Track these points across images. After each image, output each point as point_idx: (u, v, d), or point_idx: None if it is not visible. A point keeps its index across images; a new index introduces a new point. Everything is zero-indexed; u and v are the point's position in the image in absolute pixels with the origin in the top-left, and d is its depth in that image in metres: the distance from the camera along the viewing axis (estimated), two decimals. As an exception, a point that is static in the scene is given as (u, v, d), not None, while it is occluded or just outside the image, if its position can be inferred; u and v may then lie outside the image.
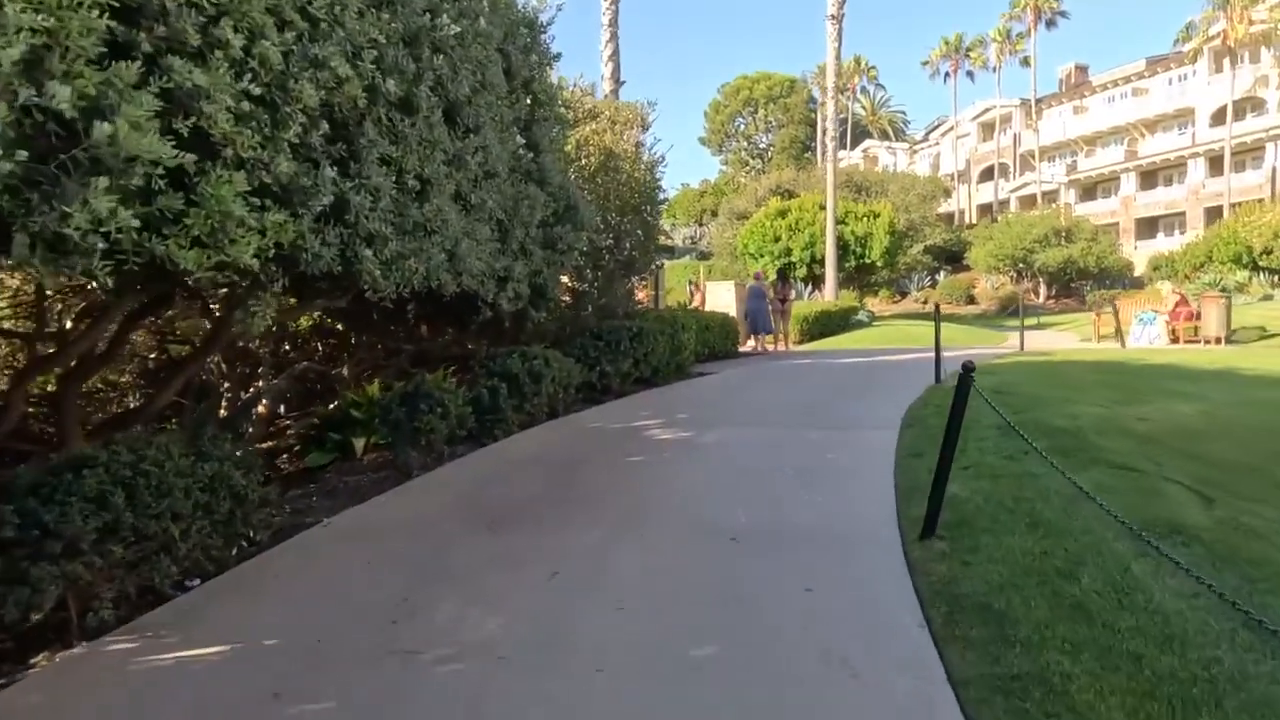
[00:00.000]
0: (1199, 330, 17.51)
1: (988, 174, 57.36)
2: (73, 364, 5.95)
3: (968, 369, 4.32)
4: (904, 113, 79.39)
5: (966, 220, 55.10)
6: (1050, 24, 54.50)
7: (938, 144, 63.06)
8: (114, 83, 3.02)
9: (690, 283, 28.13)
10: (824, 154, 36.63)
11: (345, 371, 9.17)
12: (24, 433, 6.61)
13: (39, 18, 2.75)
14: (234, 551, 4.52)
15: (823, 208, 29.19)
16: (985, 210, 55.57)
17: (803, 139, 64.09)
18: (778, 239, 30.51)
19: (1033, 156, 53.08)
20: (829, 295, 28.13)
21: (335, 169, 4.80)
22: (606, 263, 11.26)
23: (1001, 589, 3.62)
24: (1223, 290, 21.89)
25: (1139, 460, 5.31)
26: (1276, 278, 27.62)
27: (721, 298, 21.98)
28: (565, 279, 10.58)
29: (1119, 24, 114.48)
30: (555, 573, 4.12)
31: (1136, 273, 39.56)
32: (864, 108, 70.97)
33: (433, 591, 3.94)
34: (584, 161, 11.08)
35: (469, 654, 3.28)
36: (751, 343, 18.85)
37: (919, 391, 9.28)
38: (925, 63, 61.99)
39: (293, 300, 7.71)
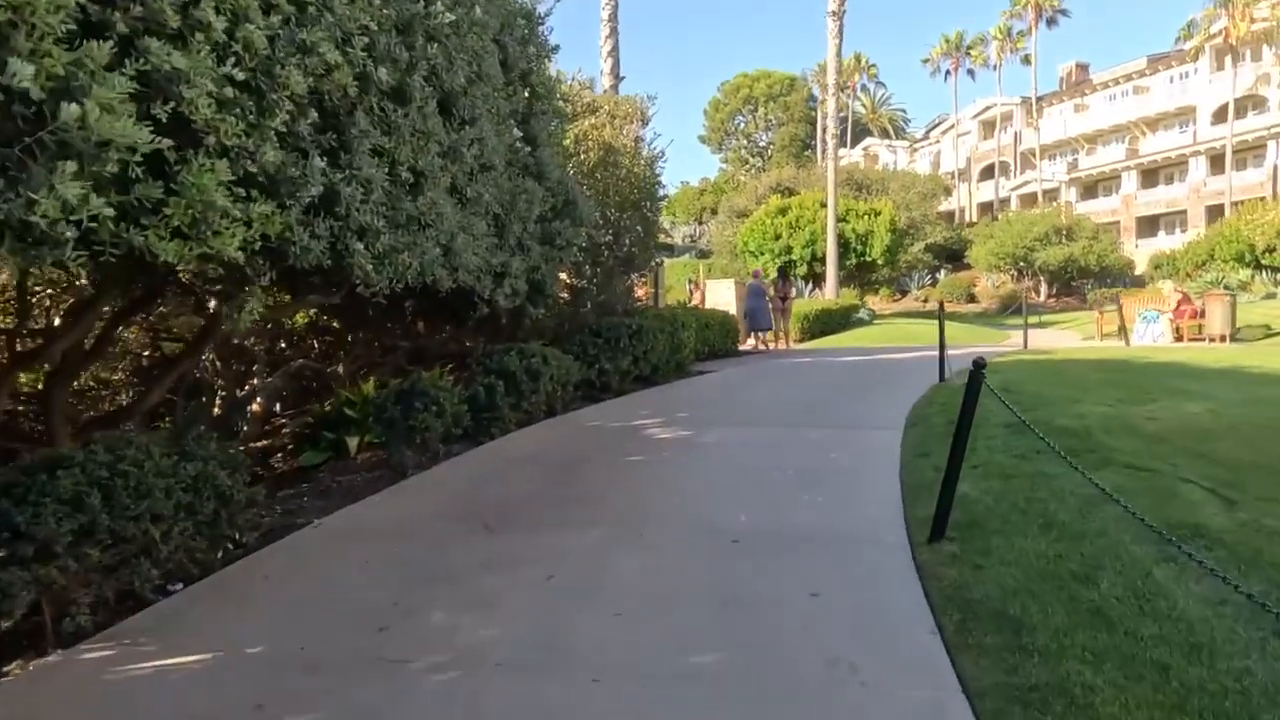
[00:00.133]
0: (1203, 328, 17.36)
1: (988, 172, 57.20)
2: (58, 361, 5.81)
3: (979, 365, 4.17)
4: (904, 111, 79.29)
5: (967, 218, 54.95)
6: (1051, 22, 54.32)
7: (938, 142, 62.90)
8: (85, 63, 2.87)
9: (690, 281, 27.99)
10: (824, 151, 36.50)
11: (341, 369, 9.02)
12: (12, 430, 6.47)
13: (3, -7, 2.61)
14: (220, 554, 4.37)
15: (823, 205, 29.02)
16: (986, 208, 55.42)
17: (803, 137, 63.92)
18: (778, 237, 30.34)
19: (1033, 155, 52.92)
20: (830, 293, 27.97)
21: (325, 159, 4.65)
22: (605, 259, 11.11)
23: (1016, 594, 3.47)
24: (1226, 288, 21.73)
25: (1151, 460, 5.16)
26: (1279, 276, 27.46)
27: (721, 296, 21.82)
28: (564, 276, 10.43)
29: (1120, 22, 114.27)
30: (551, 576, 3.98)
31: (1137, 271, 39.40)
32: (864, 106, 70.80)
33: (425, 595, 3.79)
34: (583, 156, 10.93)
35: (461, 661, 3.13)
36: (752, 341, 18.71)
37: (922, 390, 9.14)
38: (926, 60, 61.89)
39: (286, 296, 7.57)
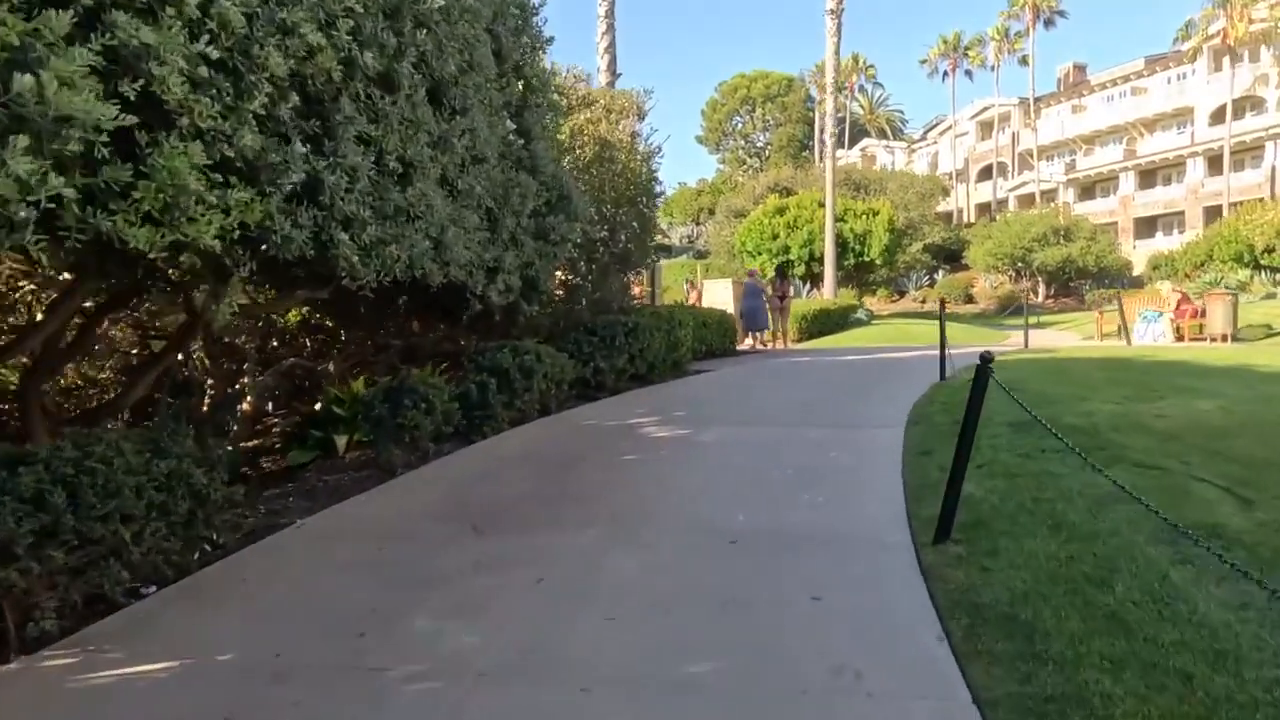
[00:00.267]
0: (1204, 328, 17.23)
1: (986, 173, 57.12)
2: (36, 355, 5.64)
3: (986, 360, 4.01)
4: (902, 112, 79.17)
5: (965, 219, 54.83)
6: (1049, 23, 54.30)
7: (936, 143, 62.81)
8: (42, 33, 2.70)
9: (687, 281, 27.84)
10: (822, 151, 36.37)
11: (332, 367, 8.85)
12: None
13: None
14: (196, 555, 4.20)
15: (821, 205, 28.87)
16: (983, 209, 55.32)
17: (800, 138, 63.81)
18: (776, 237, 30.18)
19: (1031, 155, 52.85)
20: (828, 293, 27.82)
21: (308, 146, 4.49)
22: (601, 256, 10.94)
23: (1027, 598, 3.31)
24: (1226, 288, 21.61)
25: (1162, 458, 5.01)
26: (1278, 276, 27.35)
27: (719, 295, 21.67)
28: (559, 273, 10.27)
29: (1118, 23, 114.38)
30: (542, 578, 3.81)
31: (1135, 272, 39.31)
32: (862, 106, 70.69)
33: (408, 599, 3.62)
34: (578, 152, 10.76)
35: (443, 670, 2.96)
36: (749, 341, 18.55)
37: (923, 389, 8.98)
38: (923, 61, 61.74)
39: (271, 291, 7.40)
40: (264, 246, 4.37)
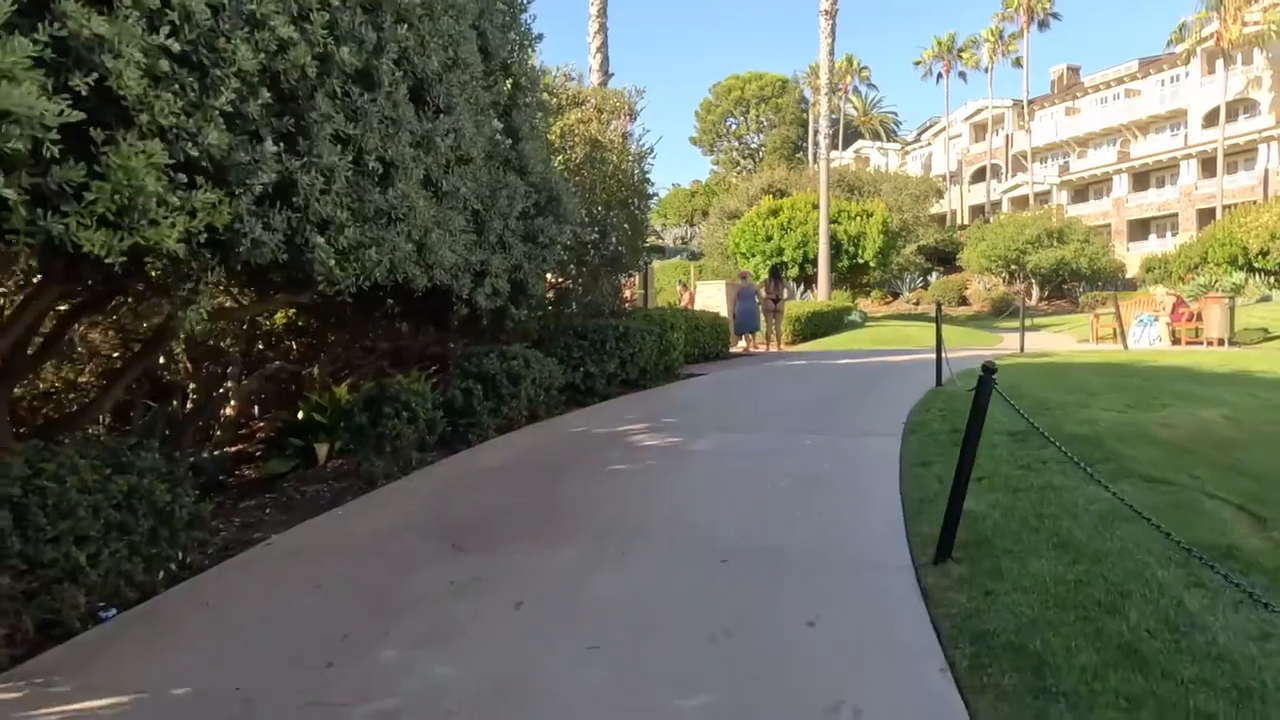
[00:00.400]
0: (1200, 332, 17.12)
1: (980, 175, 57.07)
2: (3, 360, 5.42)
3: (989, 370, 3.83)
4: (895, 113, 79.37)
5: (958, 221, 54.76)
6: (1043, 25, 54.23)
7: (929, 144, 62.75)
8: (-22, 21, 2.50)
9: (680, 283, 27.67)
10: (816, 152, 36.23)
11: (316, 372, 8.64)
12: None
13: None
14: (160, 575, 3.99)
15: (815, 207, 28.73)
16: (977, 211, 55.26)
17: (794, 139, 63.73)
18: (769, 238, 30.03)
19: (1025, 157, 52.81)
20: (822, 295, 27.68)
21: (281, 145, 4.29)
22: (591, 258, 10.74)
23: (1035, 625, 3.13)
24: (1220, 292, 21.52)
25: (1171, 472, 4.83)
26: (1273, 279, 27.28)
27: (712, 297, 21.50)
28: (548, 275, 10.07)
29: (1111, 25, 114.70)
30: (521, 602, 3.61)
31: (1129, 274, 39.26)
32: (856, 108, 70.65)
33: (380, 625, 3.42)
34: (569, 152, 10.57)
35: (411, 707, 2.76)
36: (742, 343, 18.38)
37: (919, 395, 8.80)
38: (918, 63, 61.70)
39: (250, 295, 7.19)
40: (236, 250, 4.19)
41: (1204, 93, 43.64)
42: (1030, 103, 53.86)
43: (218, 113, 3.68)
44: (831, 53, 27.85)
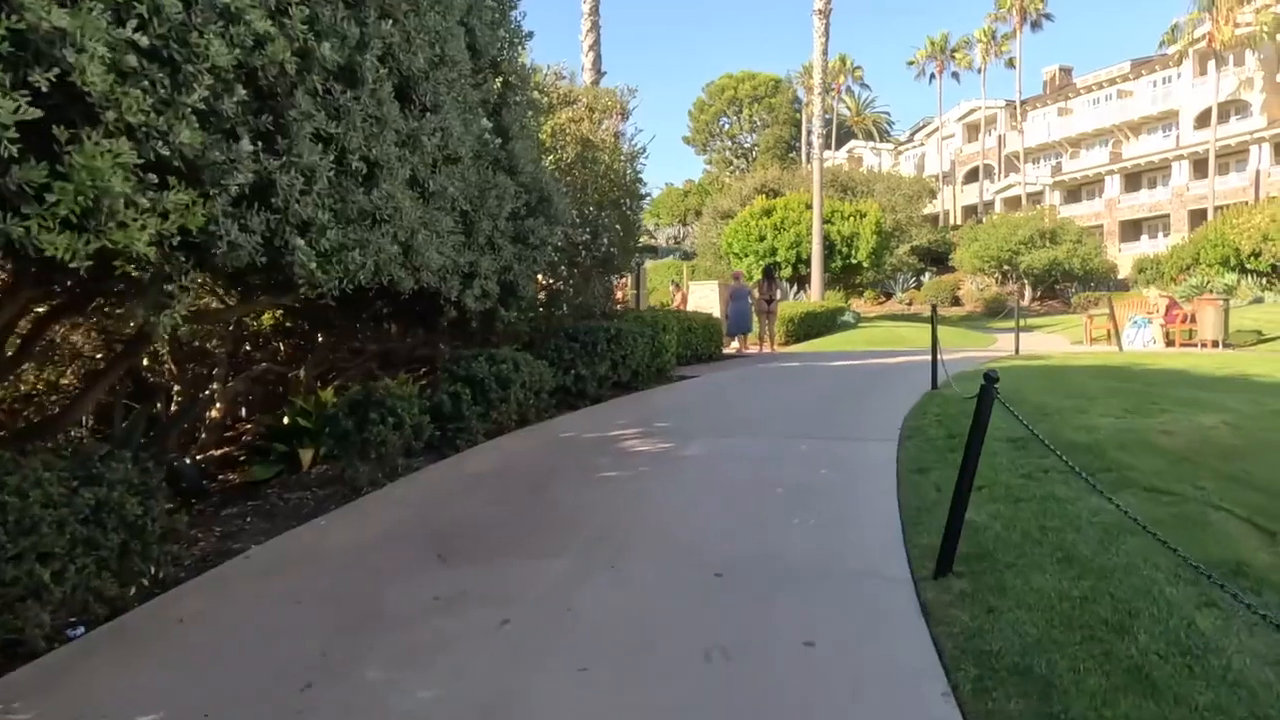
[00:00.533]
0: (1194, 333, 17.07)
1: (972, 175, 57.11)
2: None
3: (991, 379, 3.70)
4: (888, 113, 79.42)
5: (951, 221, 54.80)
6: (1035, 25, 54.23)
7: (922, 145, 62.79)
8: (-76, 12, 2.35)
9: (673, 283, 27.53)
10: (810, 151, 36.13)
11: (302, 374, 8.49)
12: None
13: None
14: (133, 591, 3.84)
15: (808, 207, 28.64)
16: (970, 211, 55.31)
17: (787, 139, 63.70)
18: (762, 238, 29.94)
19: (1017, 158, 52.86)
20: (815, 296, 27.58)
21: (259, 144, 4.14)
22: (583, 260, 10.60)
23: (1040, 646, 3.00)
24: (1212, 293, 21.49)
25: (1174, 482, 4.72)
26: (1265, 280, 27.29)
27: (705, 298, 21.38)
28: (539, 277, 9.93)
29: (1104, 26, 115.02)
30: (506, 620, 3.47)
31: (1120, 275, 39.29)
32: (849, 108, 70.65)
33: (360, 644, 3.28)
34: (560, 152, 10.42)
35: (390, 736, 2.63)
36: (735, 344, 18.26)
37: (916, 398, 8.69)
38: (910, 63, 61.73)
39: (234, 296, 7.04)
40: (212, 253, 4.04)
41: (1196, 94, 43.73)
42: (1023, 103, 53.92)
43: (190, 110, 3.53)
44: (825, 52, 27.76)
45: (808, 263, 28.43)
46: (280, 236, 4.37)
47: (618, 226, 11.09)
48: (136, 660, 3.25)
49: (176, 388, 8.12)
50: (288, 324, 9.03)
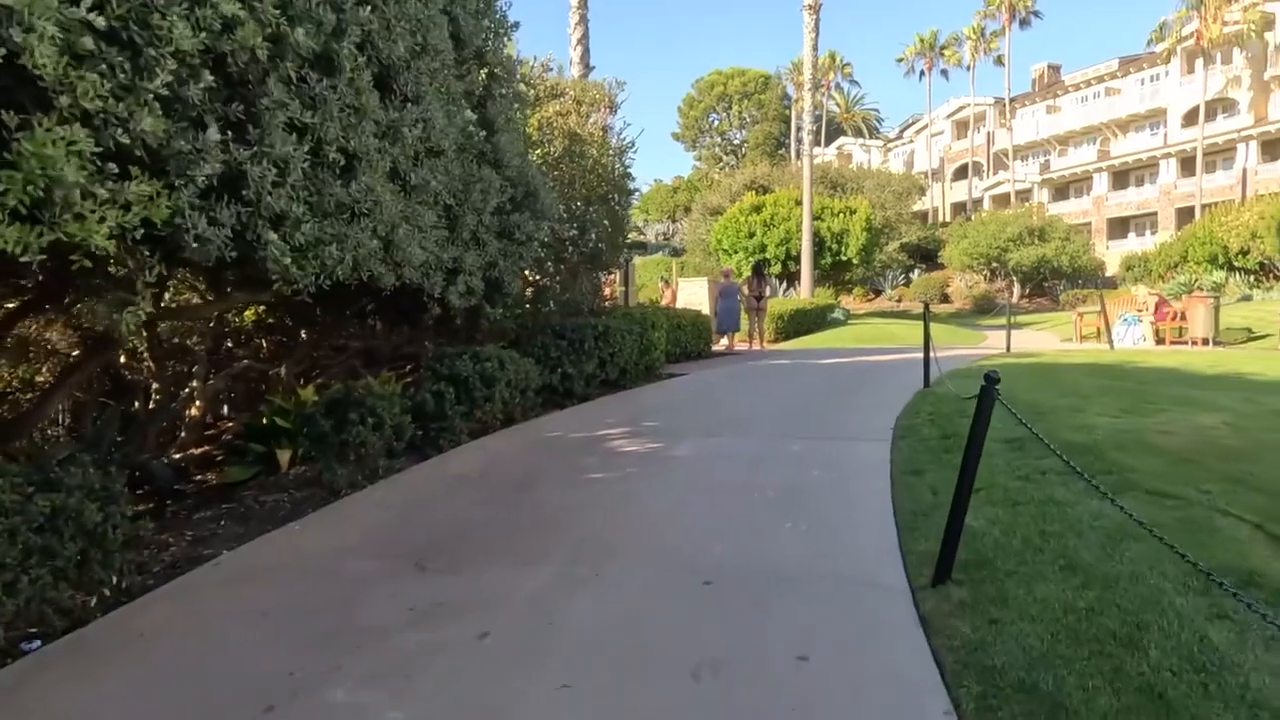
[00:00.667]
0: (1184, 331, 17.03)
1: (961, 172, 57.14)
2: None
3: (992, 380, 3.56)
4: (878, 110, 79.37)
5: (940, 218, 54.83)
6: (1024, 23, 54.27)
7: (912, 142, 62.79)
8: None
9: (662, 280, 27.37)
10: (800, 147, 36.01)
11: (283, 372, 8.29)
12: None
13: None
14: (94, 601, 3.66)
15: (798, 203, 28.50)
16: (959, 209, 55.35)
17: (777, 135, 63.61)
18: (752, 235, 29.80)
19: (1006, 155, 52.91)
20: (805, 293, 27.46)
21: (229, 133, 3.96)
22: (570, 255, 10.42)
23: (1046, 661, 2.86)
24: (1201, 290, 21.48)
25: (1178, 485, 4.59)
26: (1253, 278, 27.34)
27: (694, 295, 21.23)
28: (525, 273, 9.75)
29: (1092, 24, 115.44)
30: (485, 633, 3.31)
31: (1109, 273, 39.35)
32: (838, 105, 70.60)
33: (330, 659, 3.11)
34: (547, 146, 10.23)
35: (358, 763, 2.46)
36: (724, 342, 18.13)
37: (908, 397, 8.57)
38: (900, 60, 61.65)
39: (206, 294, 6.85)
40: (179, 247, 3.86)
41: (1184, 92, 43.84)
42: (1012, 101, 53.99)
43: (152, 97, 3.35)
44: (815, 47, 27.63)
45: (797, 259, 28.30)
46: (252, 230, 4.19)
47: (606, 222, 10.91)
48: (92, 676, 3.06)
49: (155, 385, 7.92)
50: (270, 321, 8.84)
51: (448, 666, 3.05)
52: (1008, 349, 15.46)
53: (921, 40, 59.95)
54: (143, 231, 3.51)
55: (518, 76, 8.77)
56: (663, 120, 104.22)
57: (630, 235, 14.06)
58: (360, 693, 2.86)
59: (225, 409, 8.54)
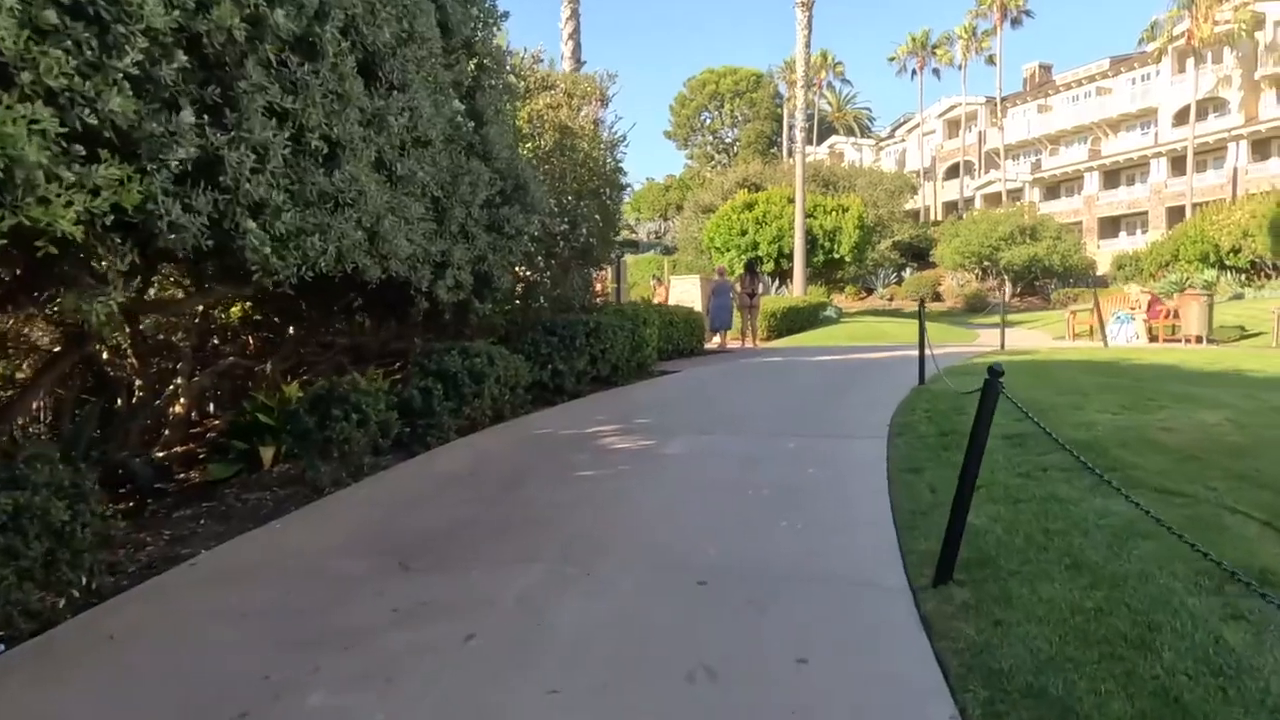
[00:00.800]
0: (1177, 329, 17.00)
1: (953, 171, 57.18)
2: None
3: (996, 373, 3.44)
4: (869, 109, 79.45)
5: (932, 217, 54.84)
6: (1016, 22, 54.37)
7: (903, 141, 62.79)
8: None
9: (654, 277, 27.25)
10: (792, 145, 35.93)
11: (269, 368, 8.13)
12: None
13: None
14: (63, 603, 3.51)
15: (791, 201, 28.40)
16: (950, 207, 55.39)
17: (769, 134, 63.53)
18: (744, 232, 29.68)
19: (998, 154, 52.94)
20: (798, 290, 27.35)
21: (206, 117, 3.82)
22: (561, 250, 10.28)
23: (1054, 664, 2.74)
24: (1197, 289, 21.48)
25: (1183, 482, 4.48)
26: (1244, 276, 27.39)
27: (687, 292, 21.11)
28: (516, 268, 9.60)
29: (1083, 24, 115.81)
30: (472, 635, 3.17)
31: (1099, 271, 39.40)
32: (830, 103, 70.57)
33: (309, 663, 2.97)
34: (538, 139, 10.08)
35: (334, 774, 2.33)
36: (717, 340, 18.02)
37: (903, 394, 8.47)
38: (892, 59, 61.67)
39: (186, 288, 6.70)
40: (153, 235, 3.71)
41: (1174, 91, 43.90)
42: (1003, 100, 54.03)
43: (122, 76, 3.21)
44: (808, 44, 27.52)
45: (789, 257, 28.20)
46: (230, 218, 4.04)
47: (597, 217, 10.77)
48: (56, 681, 2.92)
49: (139, 382, 7.76)
50: (256, 317, 8.70)
51: (432, 669, 2.92)
52: (1002, 346, 15.39)
53: (913, 39, 59.96)
54: (113, 218, 3.37)
55: (508, 68, 8.63)
56: (655, 119, 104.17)
57: (622, 233, 13.92)
58: (339, 697, 2.72)
59: (211, 406, 8.40)
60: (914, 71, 60.89)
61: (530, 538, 4.38)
